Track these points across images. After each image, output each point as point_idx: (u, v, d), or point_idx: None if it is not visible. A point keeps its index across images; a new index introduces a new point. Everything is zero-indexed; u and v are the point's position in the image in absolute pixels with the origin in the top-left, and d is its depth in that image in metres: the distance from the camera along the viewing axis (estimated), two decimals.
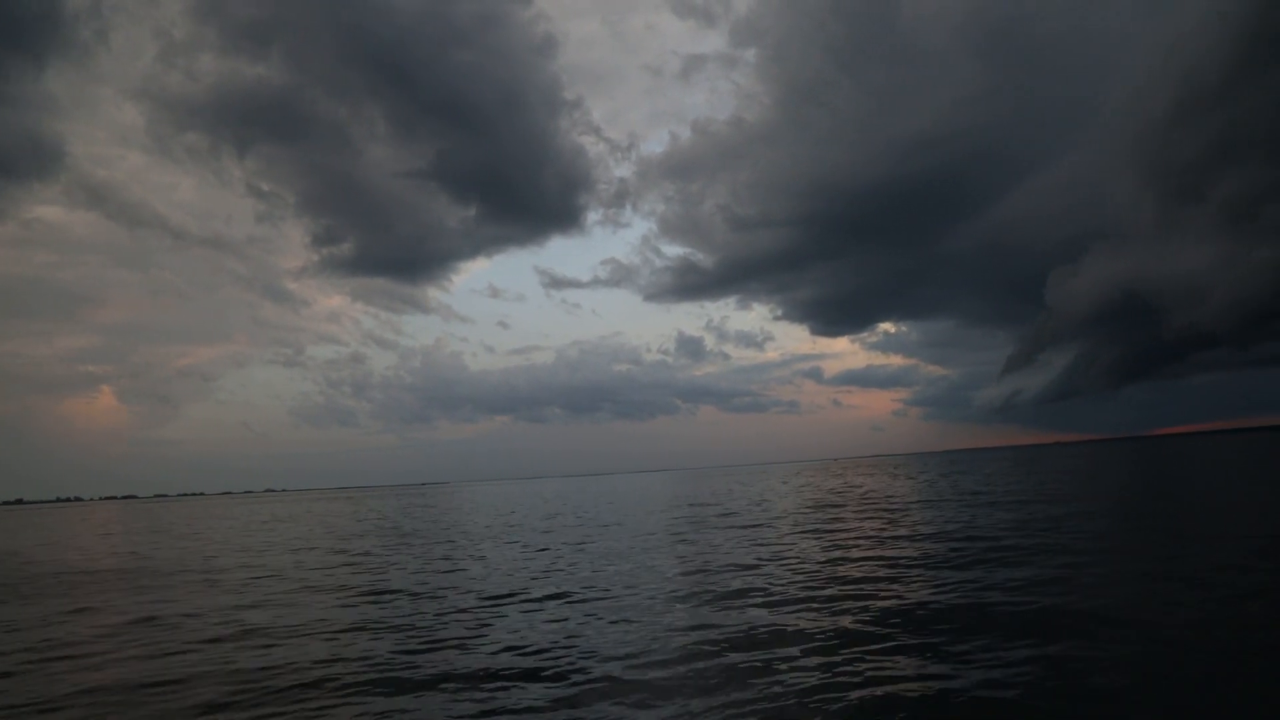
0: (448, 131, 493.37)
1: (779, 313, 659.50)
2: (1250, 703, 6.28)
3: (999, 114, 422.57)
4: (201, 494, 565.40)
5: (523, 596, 13.51)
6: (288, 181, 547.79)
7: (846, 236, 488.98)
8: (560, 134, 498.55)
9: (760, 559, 16.39)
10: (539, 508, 48.20)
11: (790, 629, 9.70)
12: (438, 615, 12.05)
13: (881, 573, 13.59)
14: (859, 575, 13.47)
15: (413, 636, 10.54)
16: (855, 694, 6.96)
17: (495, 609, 12.39)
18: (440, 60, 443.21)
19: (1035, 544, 15.77)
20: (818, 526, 23.25)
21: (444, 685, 8.05)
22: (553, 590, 13.91)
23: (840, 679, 7.41)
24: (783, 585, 12.94)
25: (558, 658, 8.95)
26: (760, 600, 11.71)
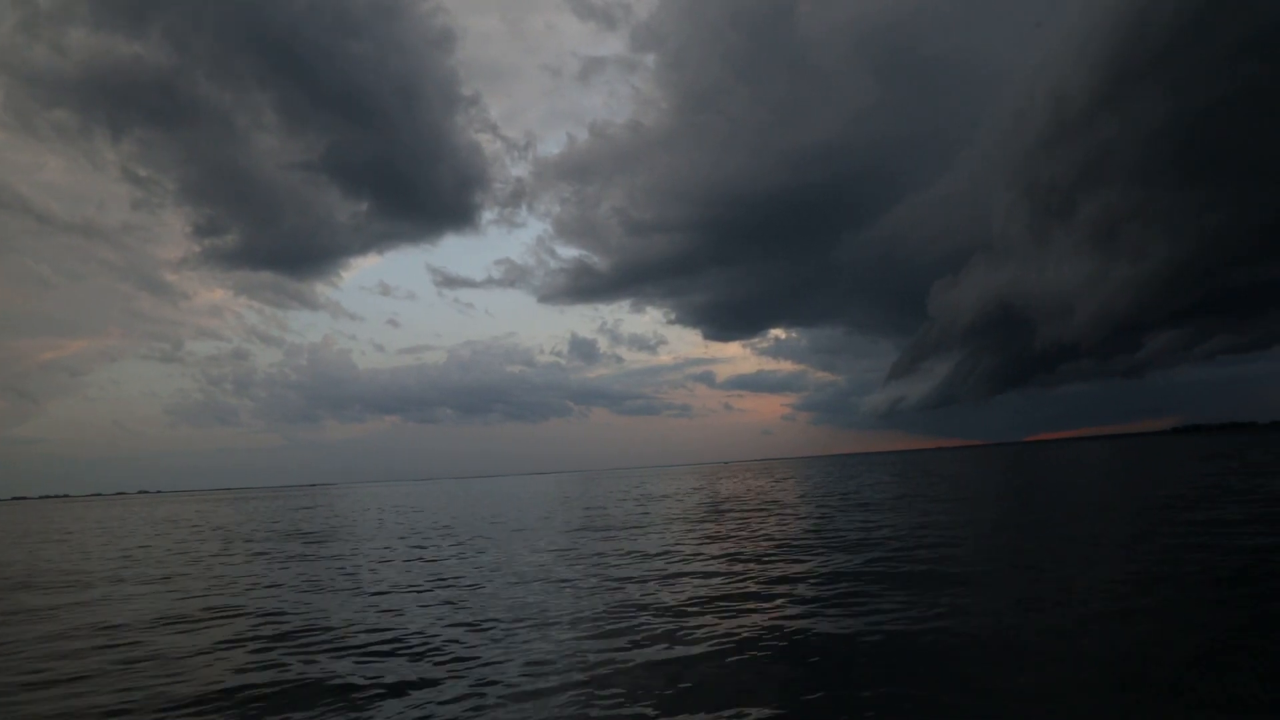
0: (341, 124, 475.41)
1: (673, 316, 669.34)
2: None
3: (891, 129, 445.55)
4: (67, 496, 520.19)
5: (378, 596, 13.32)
6: (167, 168, 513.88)
7: (741, 243, 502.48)
8: (457, 130, 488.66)
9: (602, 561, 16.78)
10: (433, 511, 47.17)
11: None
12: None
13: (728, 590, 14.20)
14: (735, 590, 14.05)
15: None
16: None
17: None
18: (334, 50, 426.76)
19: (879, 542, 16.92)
20: (688, 530, 23.88)
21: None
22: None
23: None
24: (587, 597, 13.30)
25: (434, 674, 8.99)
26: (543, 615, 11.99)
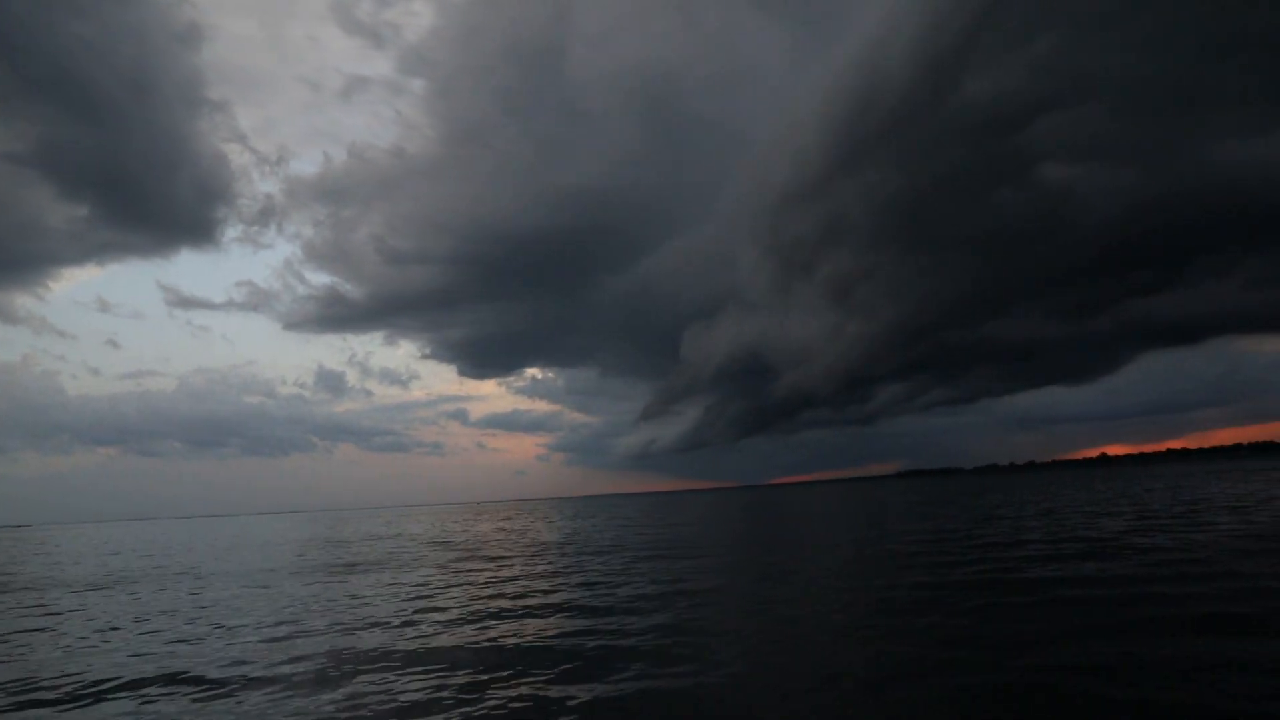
0: (57, 114, 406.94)
1: (428, 351, 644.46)
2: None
3: (653, 176, 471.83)
4: None
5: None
6: None
7: (501, 280, 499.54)
8: (199, 136, 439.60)
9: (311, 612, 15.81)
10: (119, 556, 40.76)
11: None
12: None
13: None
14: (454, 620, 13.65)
15: None
16: None
17: None
18: (51, 27, 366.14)
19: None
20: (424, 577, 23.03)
21: None
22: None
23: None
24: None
25: None
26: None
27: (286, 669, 10.04)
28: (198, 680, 9.70)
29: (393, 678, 9.31)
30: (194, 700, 8.78)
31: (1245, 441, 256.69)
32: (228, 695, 8.88)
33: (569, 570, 21.29)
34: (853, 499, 73.82)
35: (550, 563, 24.02)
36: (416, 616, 13.98)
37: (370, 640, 11.82)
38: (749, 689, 8.17)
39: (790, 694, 7.87)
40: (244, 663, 10.58)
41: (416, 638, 11.90)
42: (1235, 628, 9.63)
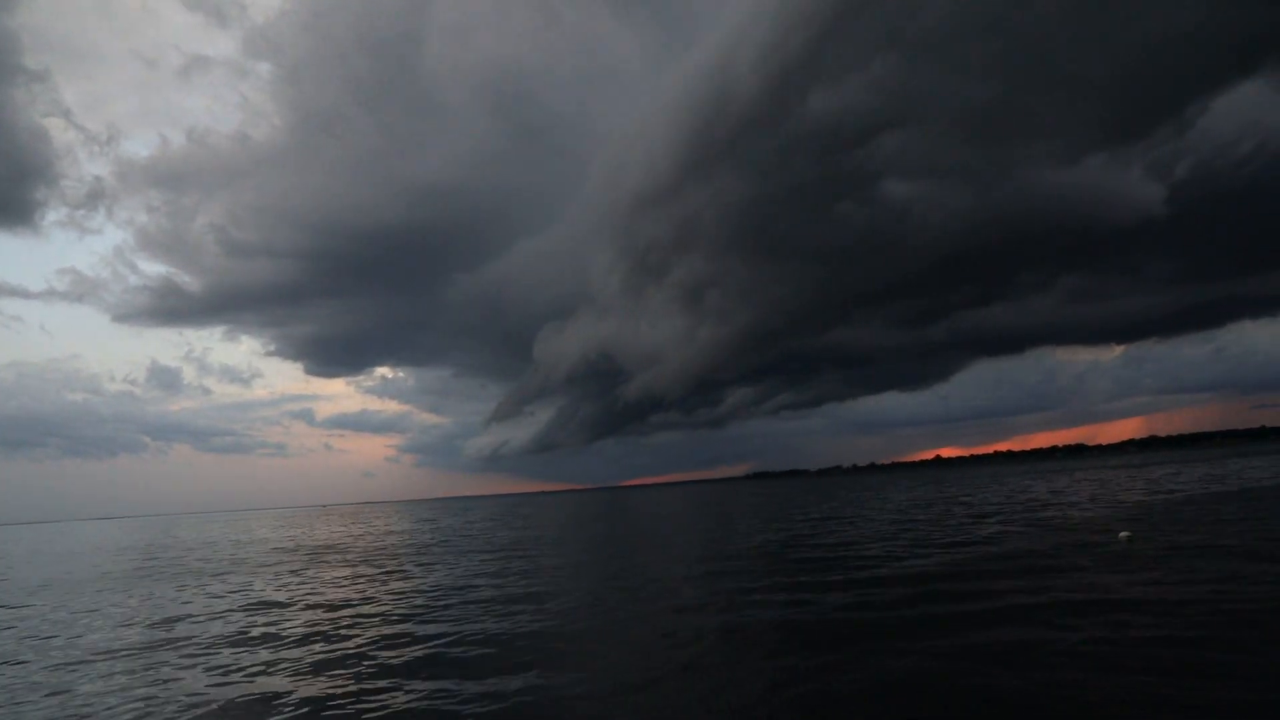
0: None
1: (272, 348, 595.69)
2: None
3: (509, 174, 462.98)
4: None
5: None
6: None
7: (351, 275, 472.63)
8: (15, 108, 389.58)
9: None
10: None
11: None
12: None
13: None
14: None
15: None
16: None
17: None
18: None
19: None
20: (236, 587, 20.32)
21: None
22: None
23: None
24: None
25: None
26: None
27: None
28: None
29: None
30: None
31: (1060, 444, 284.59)
32: None
33: (399, 575, 20.23)
34: (701, 500, 75.05)
35: (381, 567, 22.86)
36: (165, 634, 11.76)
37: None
38: (583, 691, 8.21)
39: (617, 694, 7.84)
40: None
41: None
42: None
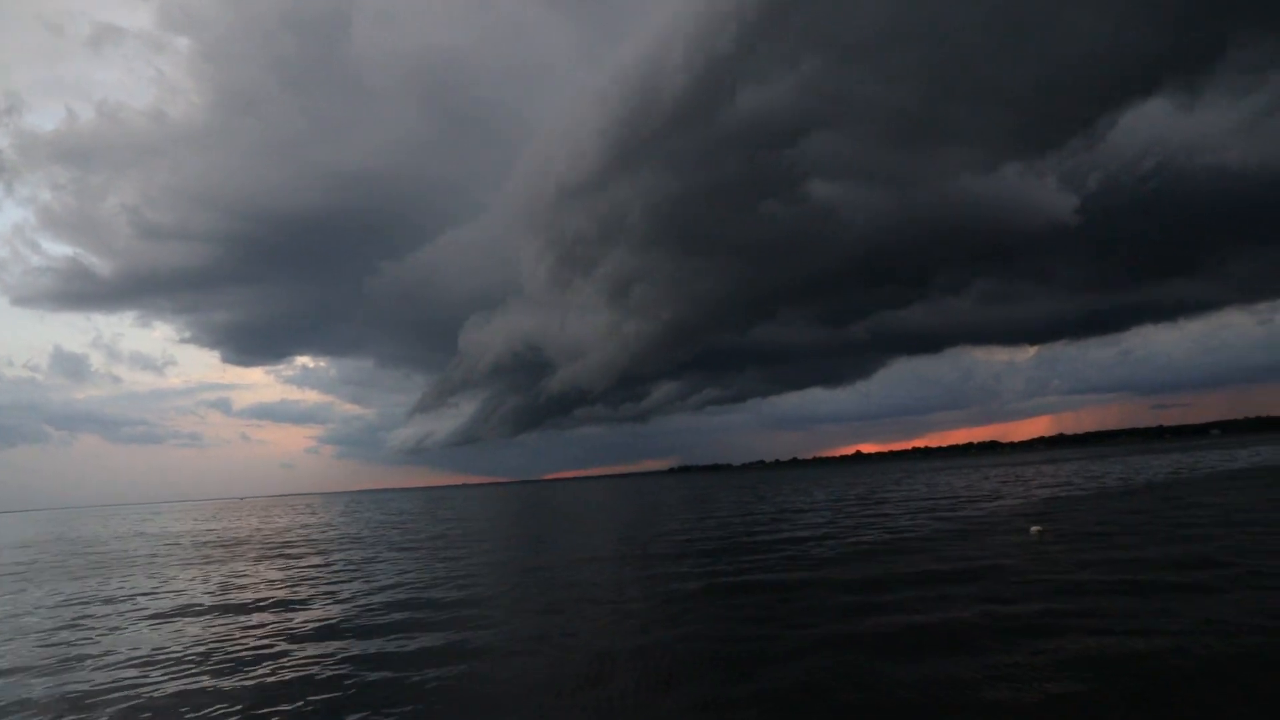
0: None
1: (187, 335, 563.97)
2: None
3: (438, 163, 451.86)
4: None
5: None
6: None
7: (272, 261, 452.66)
8: None
9: None
10: None
11: None
12: None
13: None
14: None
15: None
16: None
17: None
18: None
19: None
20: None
21: None
22: None
23: None
24: None
25: None
26: None
27: None
28: None
29: None
30: None
31: (975, 440, 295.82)
32: None
33: (311, 568, 19.44)
34: (624, 494, 75.23)
35: (295, 559, 21.95)
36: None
37: None
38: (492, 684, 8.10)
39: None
40: None
41: None
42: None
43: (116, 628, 12.86)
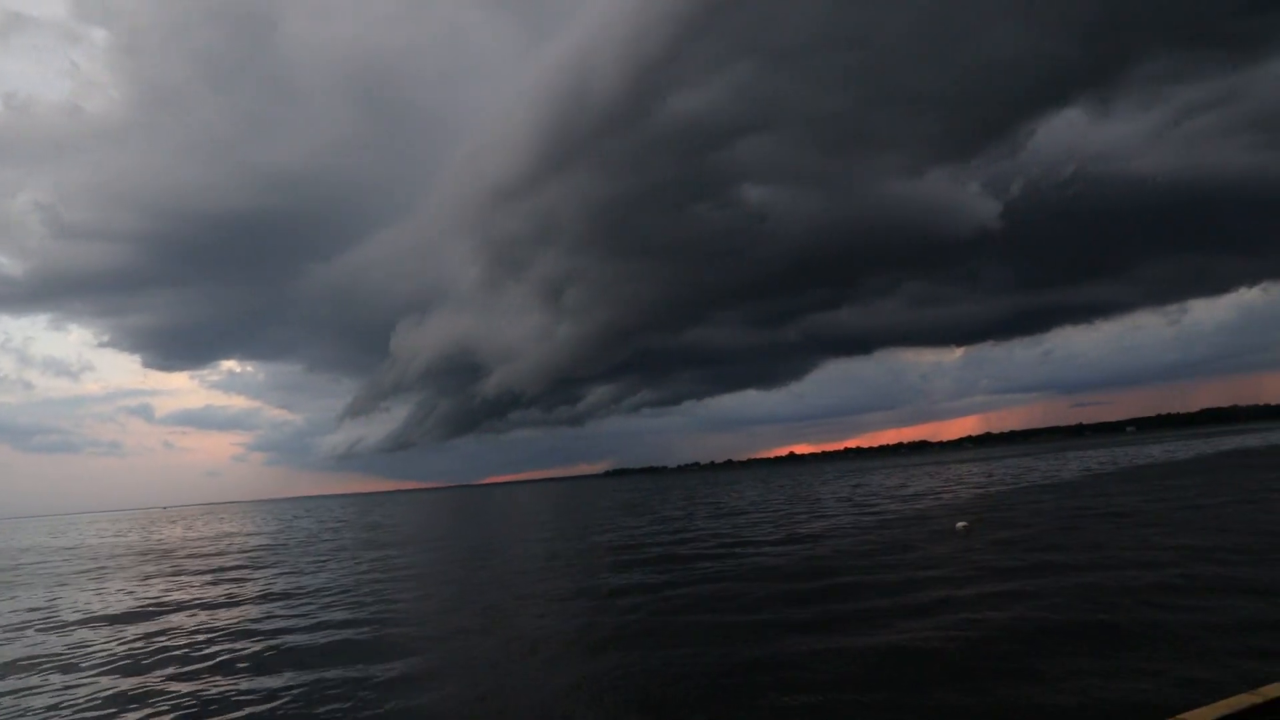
0: None
1: (105, 339, 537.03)
2: None
3: (369, 164, 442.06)
4: None
5: None
6: None
7: (195, 263, 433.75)
8: None
9: None
10: None
11: None
12: None
13: None
14: None
15: None
16: None
17: None
18: None
19: None
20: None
21: None
22: None
23: None
24: None
25: None
26: None
27: None
28: None
29: None
30: None
31: (906, 440, 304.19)
32: None
33: (227, 581, 18.55)
34: (557, 498, 74.94)
35: (214, 571, 20.98)
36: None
37: None
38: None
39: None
40: None
41: None
42: None
43: None
